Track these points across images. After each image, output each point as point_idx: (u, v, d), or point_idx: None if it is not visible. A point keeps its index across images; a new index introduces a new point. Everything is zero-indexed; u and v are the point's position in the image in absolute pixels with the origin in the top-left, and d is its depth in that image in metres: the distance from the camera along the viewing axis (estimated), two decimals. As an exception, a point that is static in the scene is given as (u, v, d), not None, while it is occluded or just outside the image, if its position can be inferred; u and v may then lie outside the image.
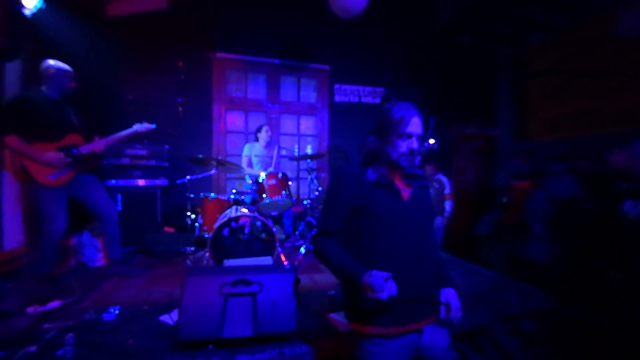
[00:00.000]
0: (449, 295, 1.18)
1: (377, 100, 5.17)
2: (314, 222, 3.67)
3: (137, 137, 2.80)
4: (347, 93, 5.08)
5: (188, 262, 3.03)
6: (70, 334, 1.77)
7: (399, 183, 1.23)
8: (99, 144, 2.60)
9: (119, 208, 3.37)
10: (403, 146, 1.16)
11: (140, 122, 2.70)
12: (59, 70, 2.46)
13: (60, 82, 2.46)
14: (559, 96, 4.26)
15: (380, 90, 5.19)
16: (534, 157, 3.86)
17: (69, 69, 2.52)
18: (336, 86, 5.03)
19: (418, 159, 1.22)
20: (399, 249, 1.14)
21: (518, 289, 2.47)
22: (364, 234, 1.18)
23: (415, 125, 1.16)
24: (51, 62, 2.46)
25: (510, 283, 2.58)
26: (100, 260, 2.98)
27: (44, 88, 2.44)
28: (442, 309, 1.18)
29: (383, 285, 0.95)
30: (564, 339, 1.90)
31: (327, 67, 4.95)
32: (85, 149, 2.52)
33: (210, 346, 1.64)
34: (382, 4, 3.81)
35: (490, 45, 4.86)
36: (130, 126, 2.70)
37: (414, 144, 1.17)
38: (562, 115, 4.20)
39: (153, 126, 2.74)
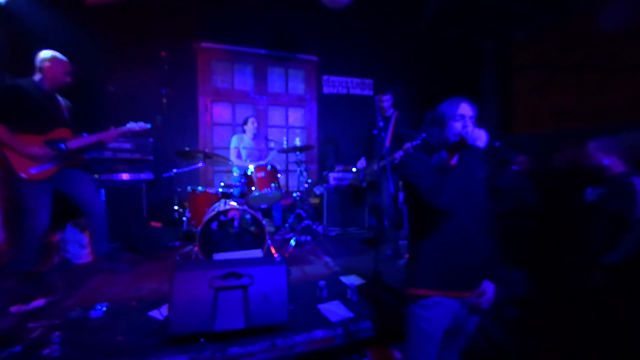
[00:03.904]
0: (488, 287, 1.32)
1: (366, 92, 5.17)
2: (304, 215, 3.68)
3: (130, 135, 2.70)
4: (336, 84, 5.05)
5: (176, 257, 3.00)
6: (57, 333, 1.73)
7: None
8: (88, 140, 2.50)
9: (103, 203, 3.29)
10: (458, 126, 1.30)
11: (132, 119, 2.60)
12: (56, 62, 2.36)
13: (54, 75, 2.36)
14: (542, 90, 4.35)
15: (368, 81, 5.19)
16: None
17: (66, 62, 2.41)
18: (324, 77, 4.99)
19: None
20: (457, 225, 1.27)
21: (499, 275, 2.57)
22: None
23: (465, 108, 1.32)
24: (48, 53, 2.35)
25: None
26: (85, 257, 2.91)
27: (36, 78, 2.34)
28: (477, 293, 1.31)
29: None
30: (542, 324, 2.00)
31: (315, 58, 4.90)
32: (73, 144, 2.43)
33: (202, 340, 1.64)
34: (370, -6, 3.78)
35: (476, 39, 4.90)
36: (114, 120, 2.61)
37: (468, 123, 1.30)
38: (546, 110, 4.30)
39: (148, 125, 2.63)
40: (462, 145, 1.28)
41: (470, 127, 1.29)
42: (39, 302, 2.09)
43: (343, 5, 3.47)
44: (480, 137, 1.23)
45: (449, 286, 1.26)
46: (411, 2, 4.73)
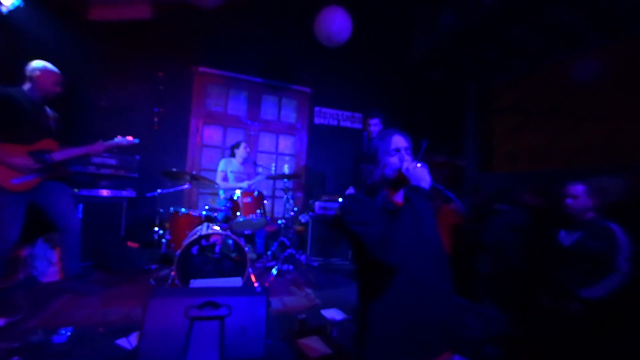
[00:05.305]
0: None
1: (356, 125, 5.34)
2: (287, 243, 3.64)
3: (117, 150, 2.69)
4: (327, 116, 5.21)
5: (151, 280, 2.88)
6: (15, 358, 1.61)
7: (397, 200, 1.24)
8: (73, 152, 2.45)
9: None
10: (395, 161, 1.22)
11: (122, 134, 2.58)
12: (46, 72, 2.36)
13: (44, 85, 2.36)
14: (519, 132, 4.63)
15: (358, 115, 5.37)
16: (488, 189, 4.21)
17: (57, 73, 2.42)
18: (316, 108, 5.15)
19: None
20: (412, 278, 1.11)
21: (480, 313, 2.57)
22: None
23: (398, 141, 1.25)
24: (39, 63, 2.36)
25: (472, 307, 2.68)
26: (53, 275, 2.76)
27: (26, 87, 2.34)
28: None
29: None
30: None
31: (308, 90, 5.07)
32: (58, 155, 2.38)
33: (171, 373, 1.55)
34: (363, 35, 4.03)
35: (460, 81, 5.23)
36: (103, 134, 2.59)
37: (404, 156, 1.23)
38: (522, 150, 4.57)
39: (136, 141, 2.61)
40: (402, 180, 1.17)
41: (407, 160, 1.20)
42: (-2, 323, 1.95)
43: (338, 44, 3.69)
44: (424, 178, 1.14)
45: (409, 355, 1.09)
46: (401, 43, 5.04)
